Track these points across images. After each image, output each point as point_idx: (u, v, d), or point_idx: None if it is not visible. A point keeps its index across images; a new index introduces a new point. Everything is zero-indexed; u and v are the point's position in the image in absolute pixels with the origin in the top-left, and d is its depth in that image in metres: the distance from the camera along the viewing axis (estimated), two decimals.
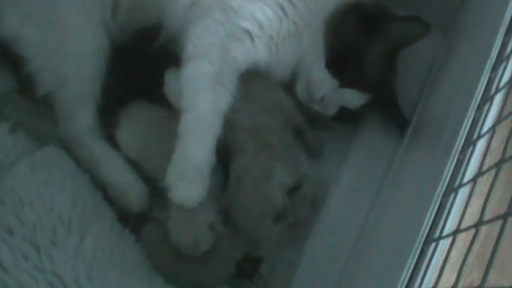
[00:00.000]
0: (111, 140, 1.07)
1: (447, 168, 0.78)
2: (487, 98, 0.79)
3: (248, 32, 1.02)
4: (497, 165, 0.62)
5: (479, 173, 0.68)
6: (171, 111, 1.02)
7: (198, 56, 0.99)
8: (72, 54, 1.03)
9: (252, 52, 1.03)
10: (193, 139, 0.94)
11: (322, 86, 1.03)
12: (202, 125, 0.95)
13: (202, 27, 1.00)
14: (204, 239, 0.95)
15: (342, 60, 1.02)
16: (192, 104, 0.96)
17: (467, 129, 0.79)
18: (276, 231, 0.97)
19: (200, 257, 0.96)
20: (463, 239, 0.67)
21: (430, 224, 0.76)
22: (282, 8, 1.03)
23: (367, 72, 1.02)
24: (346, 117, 1.07)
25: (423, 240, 0.76)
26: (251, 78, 1.04)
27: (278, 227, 0.97)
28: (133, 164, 1.05)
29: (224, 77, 0.98)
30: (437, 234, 0.75)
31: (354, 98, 1.04)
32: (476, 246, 0.61)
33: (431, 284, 0.70)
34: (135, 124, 1.05)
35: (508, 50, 0.82)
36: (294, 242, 1.08)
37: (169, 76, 1.03)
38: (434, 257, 0.72)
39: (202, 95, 0.96)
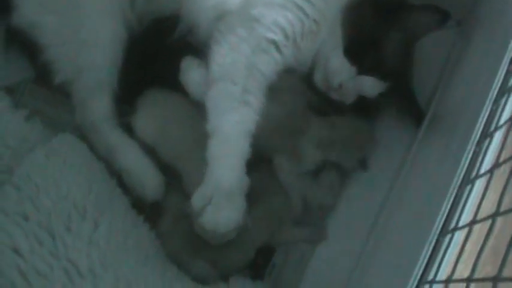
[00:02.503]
0: (127, 128, 1.07)
1: (463, 160, 0.78)
2: (504, 90, 0.78)
3: (274, 43, 1.00)
4: None
5: (495, 165, 0.67)
6: (188, 98, 1.03)
7: (222, 77, 0.98)
8: (89, 43, 1.03)
9: (280, 62, 1.02)
10: (220, 163, 0.94)
11: (340, 73, 1.02)
12: (228, 147, 0.94)
13: (226, 46, 0.99)
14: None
15: (360, 48, 1.01)
16: (217, 127, 0.95)
17: (484, 121, 0.79)
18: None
19: (220, 244, 0.96)
20: (477, 233, 0.67)
21: (445, 215, 0.76)
22: (302, 9, 1.01)
23: (385, 60, 1.02)
24: (363, 109, 1.06)
25: (438, 231, 0.75)
26: None
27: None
28: (150, 151, 1.06)
29: (250, 96, 0.97)
30: (452, 226, 0.74)
31: (371, 86, 1.03)
32: (489, 241, 0.61)
33: (445, 277, 0.70)
34: (152, 109, 1.06)
35: None
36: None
37: (185, 64, 1.03)
38: (449, 249, 0.72)
39: (227, 116, 0.95)
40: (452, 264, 0.68)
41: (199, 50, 1.02)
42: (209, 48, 1.01)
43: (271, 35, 1.00)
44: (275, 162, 1.04)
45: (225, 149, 0.94)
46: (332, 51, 1.03)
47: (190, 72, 1.02)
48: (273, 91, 1.00)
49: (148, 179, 1.05)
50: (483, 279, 0.57)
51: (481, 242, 0.60)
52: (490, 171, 0.68)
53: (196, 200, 0.92)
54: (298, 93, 1.05)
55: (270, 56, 1.00)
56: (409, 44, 1.04)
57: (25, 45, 1.07)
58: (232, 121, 0.95)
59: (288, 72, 1.06)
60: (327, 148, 1.03)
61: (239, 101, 0.96)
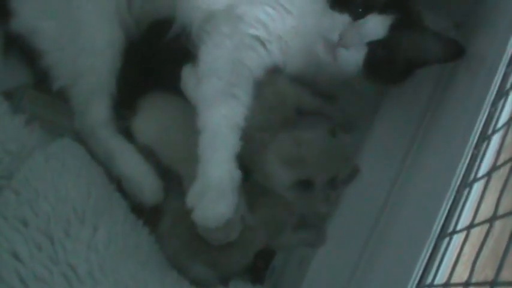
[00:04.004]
0: (126, 132, 1.08)
1: (461, 163, 0.78)
2: (502, 93, 0.78)
3: (258, 39, 1.02)
4: None
5: (493, 168, 0.67)
6: (187, 100, 1.03)
7: (208, 73, 0.99)
8: (87, 48, 1.03)
9: (266, 57, 1.03)
10: (210, 157, 0.94)
11: (334, 26, 0.96)
12: (217, 141, 0.95)
13: (211, 44, 1.01)
14: (234, 230, 0.95)
15: None
16: (206, 122, 0.96)
17: (482, 124, 0.79)
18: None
19: (219, 246, 0.96)
20: (476, 236, 0.66)
21: (443, 218, 0.76)
22: (282, 5, 1.01)
23: None
24: (381, 67, 0.98)
25: (437, 235, 0.75)
26: None
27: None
28: (150, 155, 1.06)
29: (236, 89, 0.98)
30: (451, 229, 0.74)
31: (373, 25, 0.94)
32: (489, 244, 0.61)
33: (444, 280, 0.70)
34: (152, 113, 1.06)
35: None
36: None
37: (185, 72, 1.03)
38: (448, 252, 0.72)
39: (214, 110, 0.96)
40: (451, 267, 0.68)
41: (195, 52, 1.03)
42: (197, 49, 1.03)
43: (253, 31, 1.01)
44: (255, 179, 1.03)
45: (214, 143, 0.95)
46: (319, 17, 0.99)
47: (191, 80, 1.02)
48: None
49: (147, 184, 1.05)
50: (481, 283, 0.57)
51: (480, 244, 0.60)
52: (488, 174, 0.68)
53: (190, 197, 0.93)
54: (282, 103, 1.04)
55: (254, 51, 1.02)
56: None
57: (24, 50, 1.07)
58: (220, 114, 0.96)
59: (280, 76, 1.06)
60: (296, 166, 0.99)
61: (225, 94, 0.97)
